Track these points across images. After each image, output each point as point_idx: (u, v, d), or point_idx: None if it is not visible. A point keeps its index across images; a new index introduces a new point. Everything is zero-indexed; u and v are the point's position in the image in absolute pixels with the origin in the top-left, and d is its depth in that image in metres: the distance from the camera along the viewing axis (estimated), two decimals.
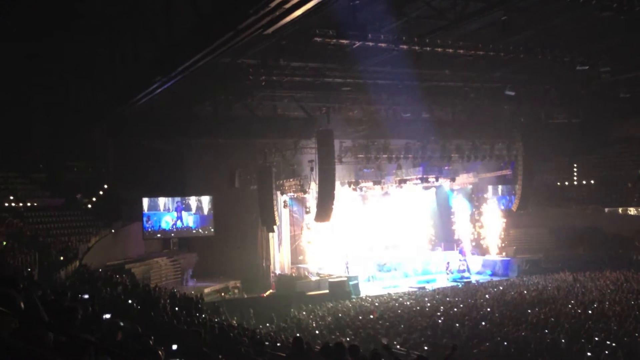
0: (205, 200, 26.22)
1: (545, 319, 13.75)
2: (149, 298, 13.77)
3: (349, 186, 26.04)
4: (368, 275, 25.67)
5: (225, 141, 23.38)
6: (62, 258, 18.91)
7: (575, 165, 31.55)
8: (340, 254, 26.30)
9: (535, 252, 27.69)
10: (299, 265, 25.93)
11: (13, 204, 21.78)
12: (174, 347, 6.08)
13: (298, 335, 11.22)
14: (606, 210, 29.32)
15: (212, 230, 25.98)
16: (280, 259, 26.00)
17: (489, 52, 16.34)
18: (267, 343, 9.80)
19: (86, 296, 7.43)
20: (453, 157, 25.41)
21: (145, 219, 25.52)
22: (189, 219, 26.10)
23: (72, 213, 23.39)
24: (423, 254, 28.39)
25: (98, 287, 14.25)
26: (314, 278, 24.01)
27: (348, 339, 12.70)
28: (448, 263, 26.52)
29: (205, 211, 26.26)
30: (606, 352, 10.11)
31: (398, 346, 11.40)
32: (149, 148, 23.03)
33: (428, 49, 15.52)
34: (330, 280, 22.92)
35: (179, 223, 25.99)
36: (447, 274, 26.12)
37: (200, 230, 26.19)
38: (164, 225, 25.70)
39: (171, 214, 25.95)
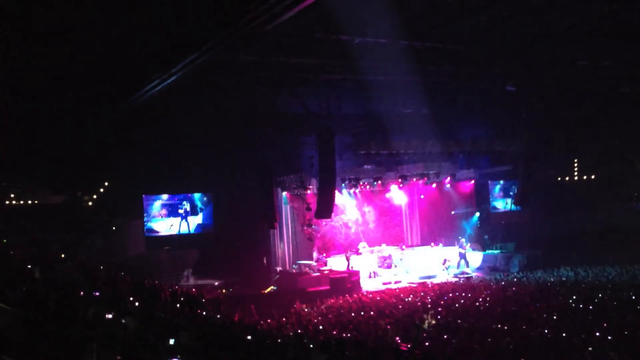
0: (206, 196, 26.27)
1: (547, 314, 13.78)
2: (150, 295, 13.80)
3: (350, 182, 26.05)
4: (369, 270, 25.69)
5: (225, 137, 23.33)
6: (63, 256, 18.94)
7: (576, 160, 31.52)
8: (341, 250, 26.33)
9: (536, 247, 27.67)
10: (300, 262, 25.95)
11: (14, 202, 21.80)
12: (171, 341, 6.10)
13: (299, 331, 11.23)
14: (607, 205, 29.33)
15: (213, 227, 26.01)
16: (280, 256, 26.02)
17: (490, 47, 16.33)
18: (268, 339, 9.81)
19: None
20: (453, 152, 25.35)
21: (146, 215, 25.58)
22: (189, 216, 26.14)
23: (72, 211, 23.39)
24: (424, 249, 28.40)
25: (99, 284, 14.27)
26: (314, 274, 24.05)
27: (349, 334, 12.71)
28: (445, 260, 26.51)
29: (206, 208, 26.30)
30: (607, 346, 10.12)
31: (399, 340, 11.44)
32: (149, 145, 22.98)
33: (428, 44, 15.50)
34: (331, 276, 22.98)
35: (179, 220, 26.05)
36: (444, 269, 26.12)
37: (201, 227, 26.24)
38: (165, 222, 25.75)
39: (172, 211, 26.01)
